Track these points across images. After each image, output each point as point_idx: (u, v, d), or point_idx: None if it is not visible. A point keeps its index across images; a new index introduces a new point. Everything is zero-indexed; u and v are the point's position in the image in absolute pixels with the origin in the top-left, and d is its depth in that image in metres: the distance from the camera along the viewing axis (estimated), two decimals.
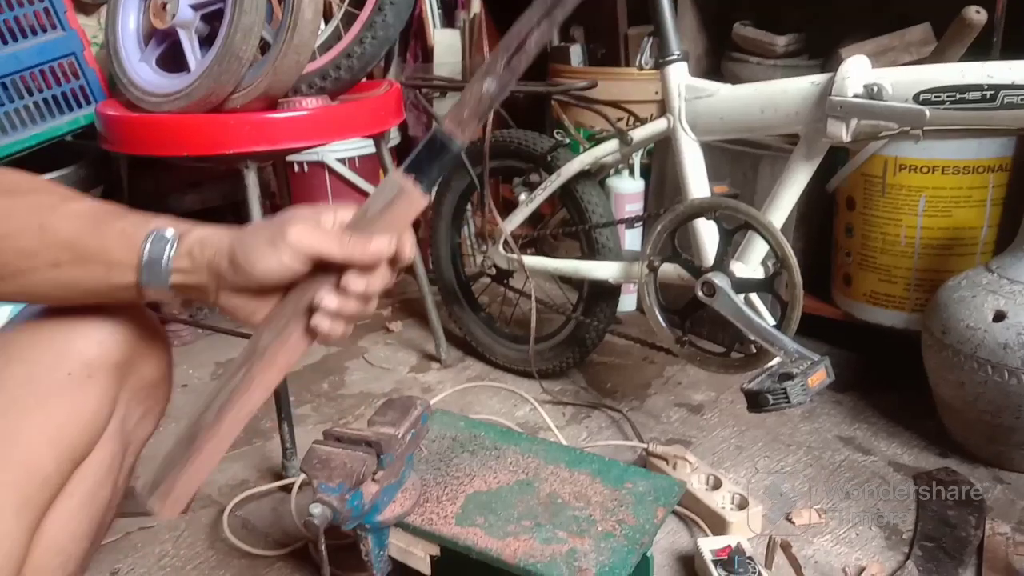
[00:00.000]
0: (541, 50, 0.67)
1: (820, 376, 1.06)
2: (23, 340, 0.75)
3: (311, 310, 0.68)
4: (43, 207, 0.70)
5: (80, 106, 1.54)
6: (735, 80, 1.49)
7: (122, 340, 0.77)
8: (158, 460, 0.73)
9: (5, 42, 1.46)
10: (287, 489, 1.29)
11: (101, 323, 0.76)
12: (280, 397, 1.29)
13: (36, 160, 1.50)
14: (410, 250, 0.70)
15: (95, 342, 0.76)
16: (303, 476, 1.26)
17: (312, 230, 0.67)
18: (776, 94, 1.21)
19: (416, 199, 0.67)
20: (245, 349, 0.71)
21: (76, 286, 0.71)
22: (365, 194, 2.10)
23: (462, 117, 0.66)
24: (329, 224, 0.69)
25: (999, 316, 1.21)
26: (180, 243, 0.69)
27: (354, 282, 0.67)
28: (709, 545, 1.06)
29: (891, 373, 1.59)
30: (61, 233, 0.69)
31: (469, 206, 1.81)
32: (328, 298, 0.67)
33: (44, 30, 1.50)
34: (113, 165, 1.56)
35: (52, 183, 0.76)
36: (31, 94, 1.50)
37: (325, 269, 0.68)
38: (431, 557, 0.96)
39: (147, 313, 0.81)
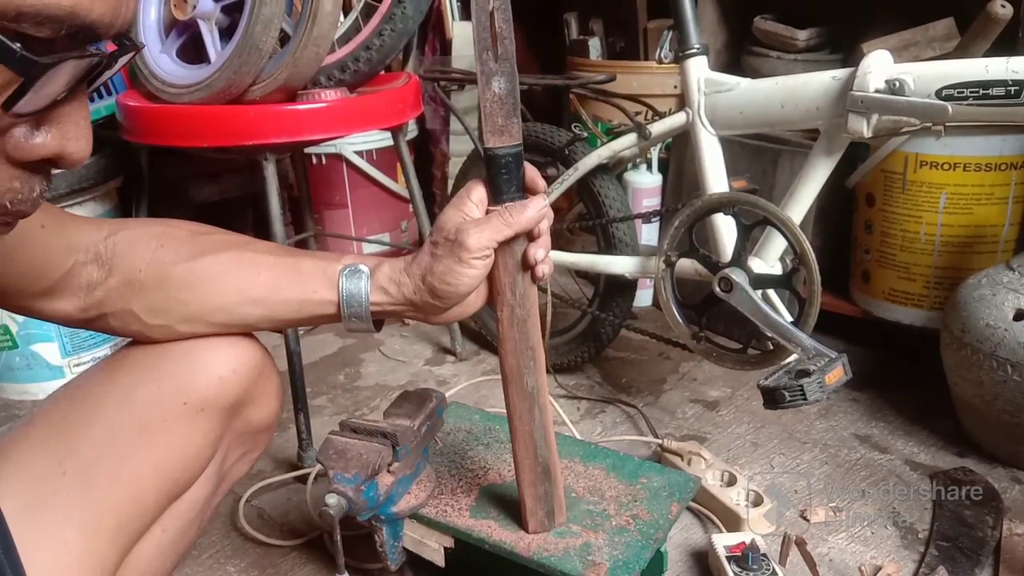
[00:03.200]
0: (509, 36, 0.69)
1: (837, 373, 1.06)
2: (151, 358, 0.74)
3: (529, 268, 0.78)
4: (234, 246, 0.77)
5: (101, 97, 1.55)
6: (755, 74, 1.48)
7: (241, 381, 0.76)
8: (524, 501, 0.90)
9: None
10: (302, 480, 1.30)
11: (226, 359, 0.75)
12: (296, 388, 1.30)
13: None
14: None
15: (216, 378, 0.75)
16: (319, 467, 1.27)
17: (480, 229, 0.73)
18: (797, 89, 1.20)
19: (518, 210, 0.74)
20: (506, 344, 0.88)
21: (276, 319, 0.77)
22: (382, 186, 2.11)
23: (498, 125, 0.69)
24: (476, 211, 0.75)
25: (1020, 315, 1.20)
26: (372, 279, 0.75)
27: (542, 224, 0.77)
28: (723, 541, 1.06)
29: (909, 371, 1.58)
30: (261, 275, 0.75)
31: None
32: (536, 251, 0.76)
33: None
34: (133, 155, 1.57)
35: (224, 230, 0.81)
36: None
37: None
38: (445, 549, 0.97)
39: (270, 360, 0.81)
